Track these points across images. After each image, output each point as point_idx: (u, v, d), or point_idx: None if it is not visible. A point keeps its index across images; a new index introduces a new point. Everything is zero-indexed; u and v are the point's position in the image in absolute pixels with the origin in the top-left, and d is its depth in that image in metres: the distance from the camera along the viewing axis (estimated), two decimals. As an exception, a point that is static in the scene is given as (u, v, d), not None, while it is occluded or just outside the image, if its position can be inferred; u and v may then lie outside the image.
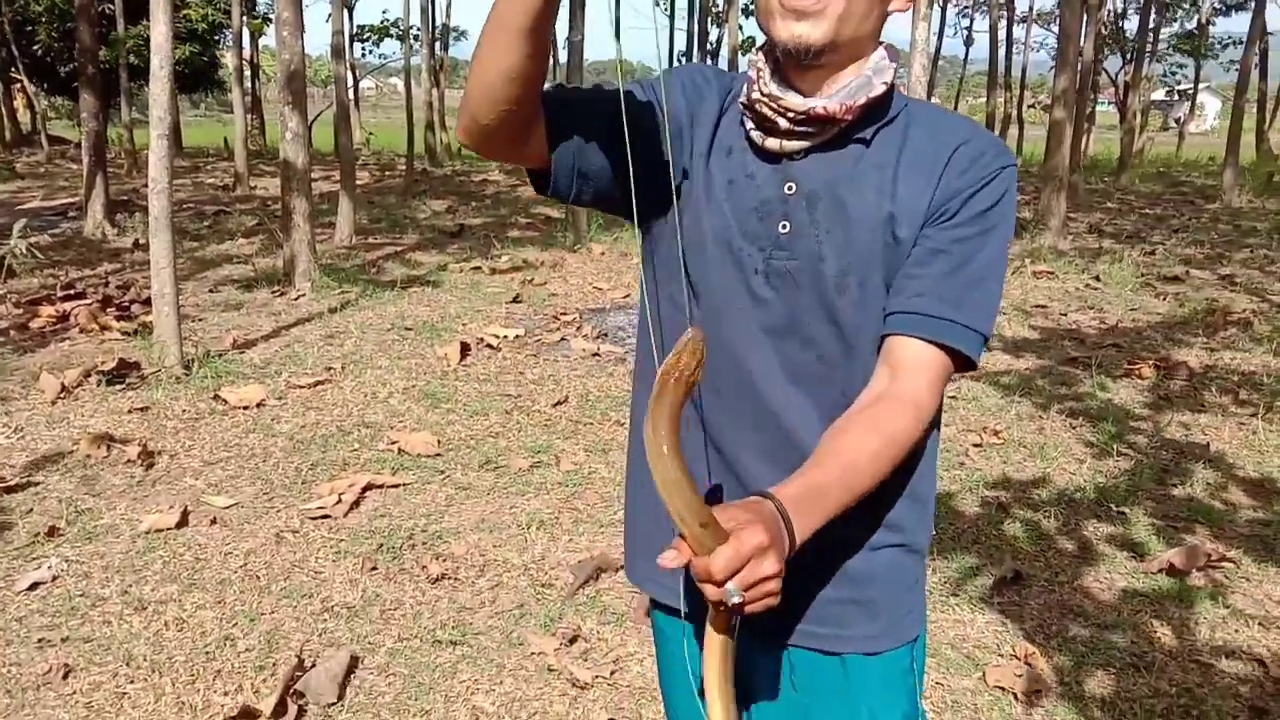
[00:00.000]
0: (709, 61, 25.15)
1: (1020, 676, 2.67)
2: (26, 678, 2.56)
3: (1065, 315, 7.06)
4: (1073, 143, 11.91)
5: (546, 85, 1.10)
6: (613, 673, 2.68)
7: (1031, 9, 28.52)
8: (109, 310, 6.24)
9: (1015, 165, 1.15)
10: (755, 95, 1.14)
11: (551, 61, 23.10)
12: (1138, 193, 16.50)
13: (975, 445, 4.38)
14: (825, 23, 1.07)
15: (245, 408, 4.64)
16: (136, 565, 3.18)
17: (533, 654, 2.75)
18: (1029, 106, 29.38)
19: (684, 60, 27.04)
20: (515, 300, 7.17)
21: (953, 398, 4.91)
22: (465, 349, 5.66)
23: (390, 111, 48.80)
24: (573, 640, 2.82)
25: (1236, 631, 2.94)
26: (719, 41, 25.40)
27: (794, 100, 1.12)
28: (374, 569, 3.20)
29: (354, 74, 20.10)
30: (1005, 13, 26.46)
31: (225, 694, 2.52)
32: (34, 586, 3.00)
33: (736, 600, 0.88)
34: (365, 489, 3.77)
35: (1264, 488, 3.98)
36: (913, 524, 1.24)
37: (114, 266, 8.09)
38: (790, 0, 1.07)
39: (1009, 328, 6.61)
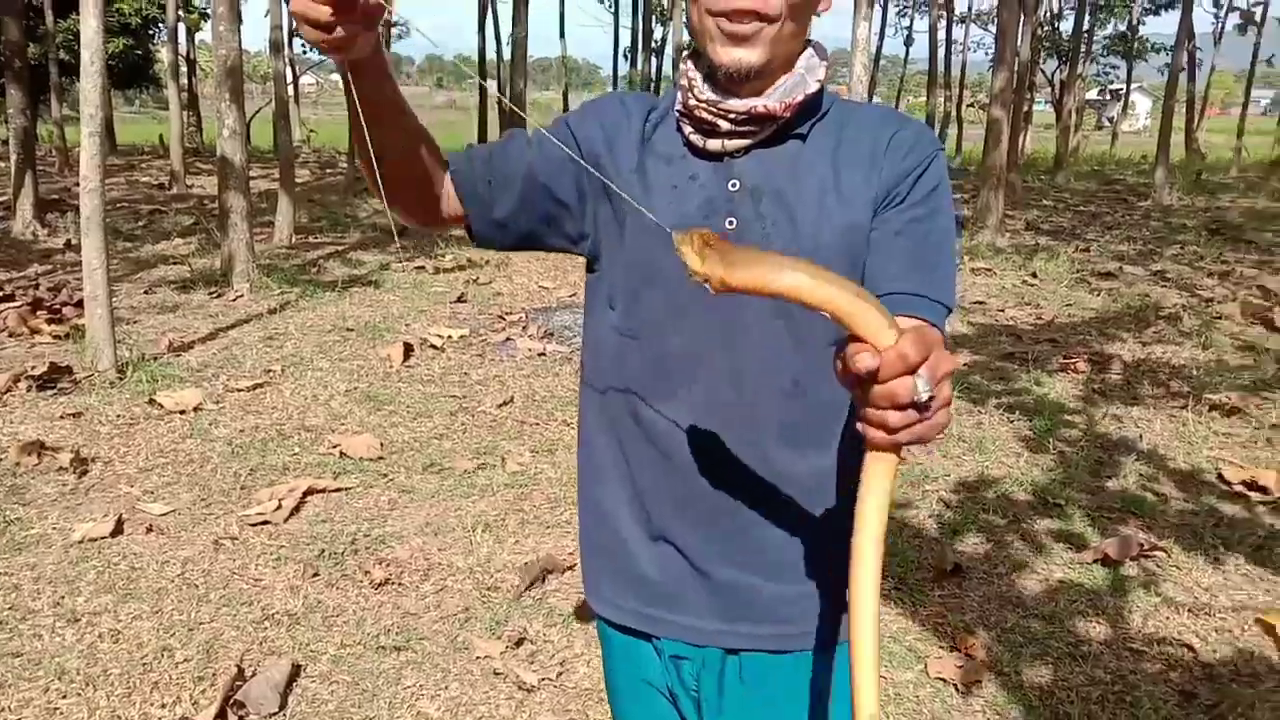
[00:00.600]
0: (654, 60, 25.22)
1: (961, 668, 2.72)
2: (-47, 695, 2.49)
3: (1003, 311, 7.19)
4: (1010, 141, 12.13)
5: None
6: (559, 674, 2.67)
7: (970, 9, 28.99)
8: (39, 313, 6.06)
9: (943, 149, 1.22)
10: (692, 102, 1.17)
11: (495, 57, 22.98)
12: (1073, 190, 16.89)
13: (916, 440, 4.45)
14: (761, 46, 1.11)
15: (182, 412, 4.55)
16: (69, 576, 3.10)
17: (478, 658, 2.73)
18: (968, 105, 29.88)
19: (629, 57, 27.08)
20: (460, 300, 7.12)
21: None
22: (408, 350, 5.61)
23: (331, 108, 48.17)
24: (519, 643, 2.81)
25: (1168, 619, 3.02)
26: (664, 40, 25.47)
27: (734, 103, 1.15)
28: (316, 575, 3.16)
29: (294, 70, 19.78)
30: (944, 13, 26.88)
31: (163, 706, 2.47)
32: (-40, 600, 2.91)
33: (926, 395, 0.77)
34: (306, 494, 3.71)
35: (1193, 478, 4.10)
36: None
37: (45, 268, 7.86)
38: (728, 27, 1.11)
39: (948, 324, 6.71)
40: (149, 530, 3.42)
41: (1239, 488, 3.94)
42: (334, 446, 4.19)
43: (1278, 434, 4.57)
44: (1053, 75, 27.18)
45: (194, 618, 2.89)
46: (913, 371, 0.77)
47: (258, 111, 15.19)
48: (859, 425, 0.83)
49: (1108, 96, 44.04)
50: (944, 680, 2.68)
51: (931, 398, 0.78)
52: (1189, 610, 3.06)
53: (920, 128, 1.22)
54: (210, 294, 6.99)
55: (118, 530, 3.39)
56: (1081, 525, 3.65)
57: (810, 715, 1.27)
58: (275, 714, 2.46)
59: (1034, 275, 8.49)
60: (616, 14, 28.47)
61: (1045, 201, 14.92)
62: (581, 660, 2.75)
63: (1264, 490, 3.89)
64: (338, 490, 3.79)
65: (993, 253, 9.49)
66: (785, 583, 1.24)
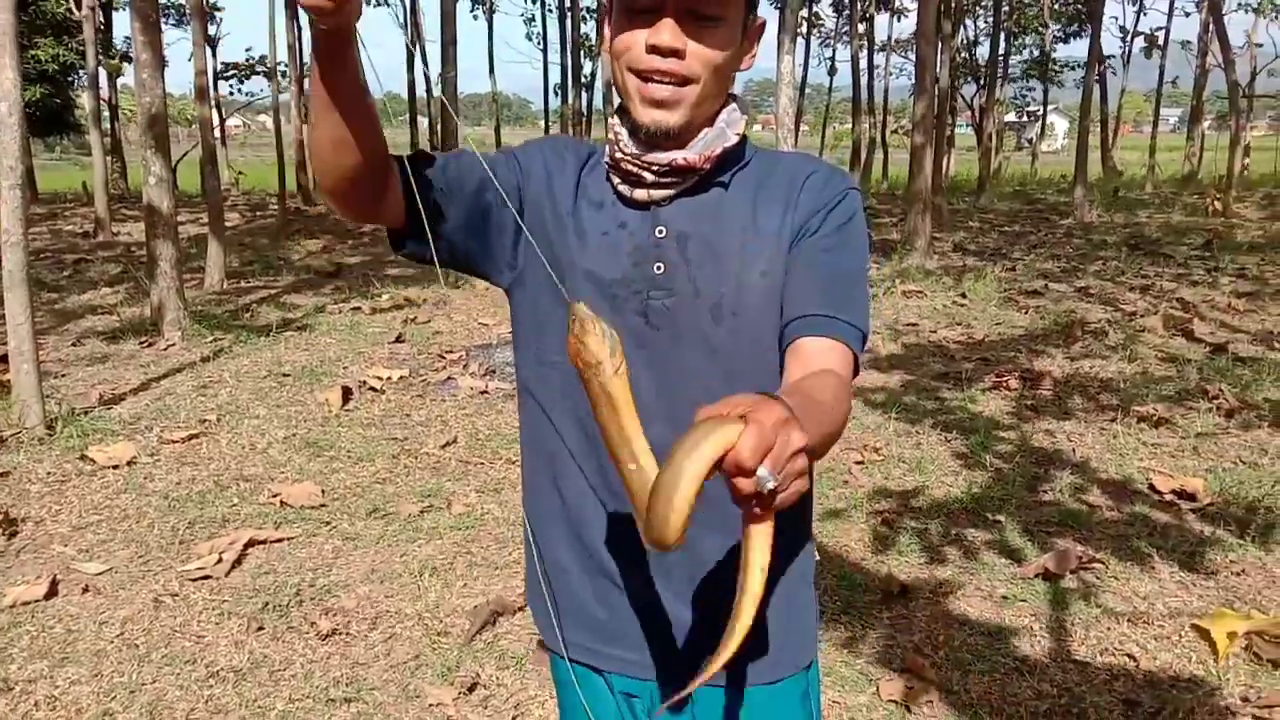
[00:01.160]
0: (584, 94, 25.42)
1: (912, 689, 2.76)
2: (-121, 775, 2.38)
3: (935, 332, 7.35)
4: (934, 165, 12.46)
5: (410, 150, 1.20)
6: (514, 718, 2.65)
7: (890, 38, 29.73)
8: (-40, 370, 5.87)
9: (858, 189, 1.27)
10: (618, 155, 1.22)
11: (426, 96, 22.96)
12: (997, 211, 17.35)
13: (858, 462, 4.52)
14: (681, 109, 1.16)
15: (115, 467, 4.43)
16: (0, 643, 2.99)
17: (430, 705, 2.70)
18: (892, 131, 30.56)
19: (559, 93, 27.24)
20: (398, 340, 7.06)
21: (835, 418, 5.04)
22: (347, 393, 5.54)
23: (259, 150, 47.52)
24: (472, 688, 2.78)
25: (1109, 629, 3.10)
26: (593, 74, 25.70)
27: (656, 156, 1.19)
28: (260, 629, 3.09)
29: (220, 112, 19.53)
30: (865, 42, 27.54)
31: (104, 774, 2.40)
32: (-116, 675, 2.80)
33: (772, 485, 0.79)
34: (247, 546, 3.64)
35: (1125, 489, 4.22)
36: (795, 549, 1.30)
37: (-36, 323, 7.63)
38: (648, 92, 1.15)
39: (882, 347, 6.85)
40: (85, 590, 3.33)
41: (1169, 496, 4.07)
42: (274, 496, 4.12)
43: (1203, 442, 4.73)
44: (972, 99, 27.97)
45: (135, 679, 2.81)
46: (751, 473, 0.79)
47: (184, 155, 14.94)
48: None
49: (1026, 118, 45.39)
50: (896, 702, 2.72)
51: (776, 488, 0.80)
52: (1128, 620, 3.15)
53: (833, 170, 1.27)
54: (141, 343, 6.84)
55: (51, 592, 3.29)
56: (1021, 540, 3.73)
57: None
58: (223, 775, 2.40)
59: (963, 295, 8.70)
60: (546, 50, 28.66)
61: (971, 223, 15.30)
62: (536, 702, 2.73)
63: (1192, 498, 4.02)
64: (280, 540, 3.72)
65: (922, 275, 9.70)
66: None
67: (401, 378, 5.97)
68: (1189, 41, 25.35)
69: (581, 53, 24.77)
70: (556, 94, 27.66)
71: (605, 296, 1.22)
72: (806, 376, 1.10)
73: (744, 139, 1.25)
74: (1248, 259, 10.55)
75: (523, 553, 2.28)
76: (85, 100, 17.53)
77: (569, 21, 24.78)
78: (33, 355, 4.87)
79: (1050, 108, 38.04)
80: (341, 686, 2.78)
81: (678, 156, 1.19)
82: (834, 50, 33.59)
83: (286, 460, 4.59)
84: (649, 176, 1.21)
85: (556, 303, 1.23)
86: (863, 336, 1.19)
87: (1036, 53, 30.14)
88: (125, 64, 21.49)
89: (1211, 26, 20.44)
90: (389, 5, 25.52)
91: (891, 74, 30.64)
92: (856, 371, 1.20)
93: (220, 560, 3.49)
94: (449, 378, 6.05)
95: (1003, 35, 25.77)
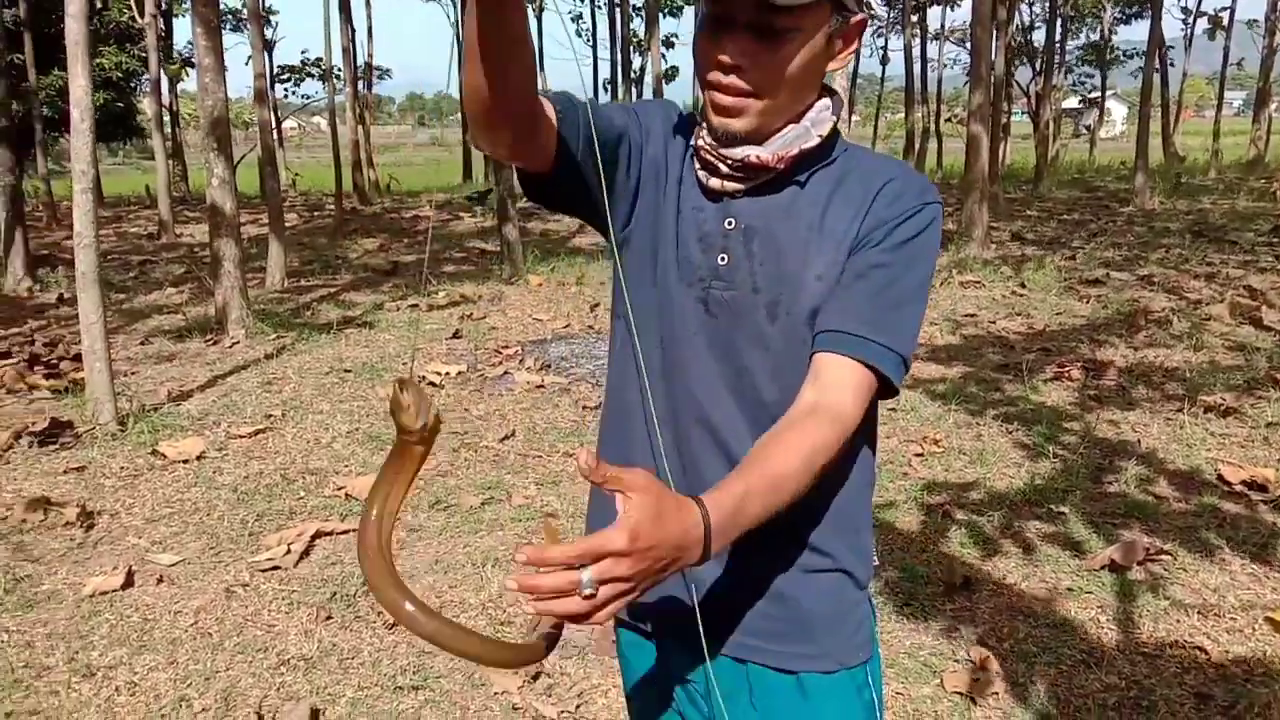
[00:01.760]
0: (634, 90, 25.41)
1: (977, 680, 2.74)
2: (-27, 756, 2.48)
3: (994, 323, 7.25)
4: (990, 154, 12.27)
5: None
6: (578, 707, 2.68)
7: (944, 27, 29.33)
8: (36, 369, 6.07)
9: (940, 204, 1.21)
10: (700, 142, 1.22)
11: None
12: (1055, 199, 17.03)
13: (917, 455, 4.48)
14: (746, 117, 1.15)
15: (185, 461, 4.56)
16: (82, 630, 3.10)
17: (496, 694, 2.74)
18: (946, 120, 30.16)
19: (609, 88, 27.28)
20: (455, 336, 7.15)
21: (891, 410, 5.01)
22: (408, 388, 5.61)
23: (315, 151, 48.31)
24: (536, 677, 2.81)
25: (1178, 622, 3.05)
26: (643, 70, 25.69)
27: (731, 151, 1.19)
28: (329, 618, 3.16)
29: (277, 115, 19.90)
30: (918, 31, 27.19)
31: (184, 757, 2.47)
32: (-25, 660, 2.91)
33: (589, 592, 0.89)
34: (314, 537, 3.72)
35: (1193, 479, 4.13)
36: (842, 550, 1.28)
37: (39, 323, 7.88)
38: (713, 99, 1.16)
39: (940, 337, 6.78)
40: (160, 581, 3.43)
41: (1239, 487, 3.98)
42: (339, 489, 4.21)
43: (1274, 432, 4.61)
44: (1028, 86, 27.49)
45: (210, 666, 2.89)
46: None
47: (242, 158, 15.22)
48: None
49: (1084, 105, 44.48)
50: (961, 694, 2.70)
51: (594, 594, 0.89)
52: (1198, 612, 3.09)
53: (918, 180, 1.22)
54: (206, 341, 7.01)
55: (128, 582, 3.39)
56: (1086, 532, 3.67)
57: None
58: (297, 759, 2.46)
59: (1022, 285, 8.56)
60: (595, 46, 28.74)
61: (1029, 212, 15.04)
62: (599, 691, 2.76)
63: (1263, 489, 3.93)
64: (345, 532, 3.80)
65: (980, 265, 9.57)
66: (777, 606, 1.27)
67: (459, 373, 6.04)
68: (1255, 21, 24.65)
69: (631, 48, 24.77)
70: (605, 90, 27.73)
71: (684, 274, 1.24)
72: (780, 438, 1.09)
73: (833, 135, 1.22)
74: (1319, 244, 10.24)
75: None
76: (147, 105, 17.95)
77: (619, 17, 24.81)
78: (105, 354, 5.01)
79: (1109, 93, 37.22)
80: (409, 674, 2.84)
81: (751, 154, 1.18)
82: (886, 40, 33.25)
83: (350, 454, 4.68)
84: (723, 168, 1.20)
85: (651, 271, 1.26)
86: (900, 360, 1.15)
87: (1094, 37, 29.49)
88: (186, 69, 22.00)
89: None
90: (440, 1, 25.81)
91: (945, 64, 30.23)
92: (888, 393, 1.17)
93: (289, 551, 3.58)
94: (505, 372, 6.11)
95: (1059, 20, 25.26)
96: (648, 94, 24.93)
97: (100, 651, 2.98)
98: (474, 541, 3.72)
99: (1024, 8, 26.90)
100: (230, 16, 23.91)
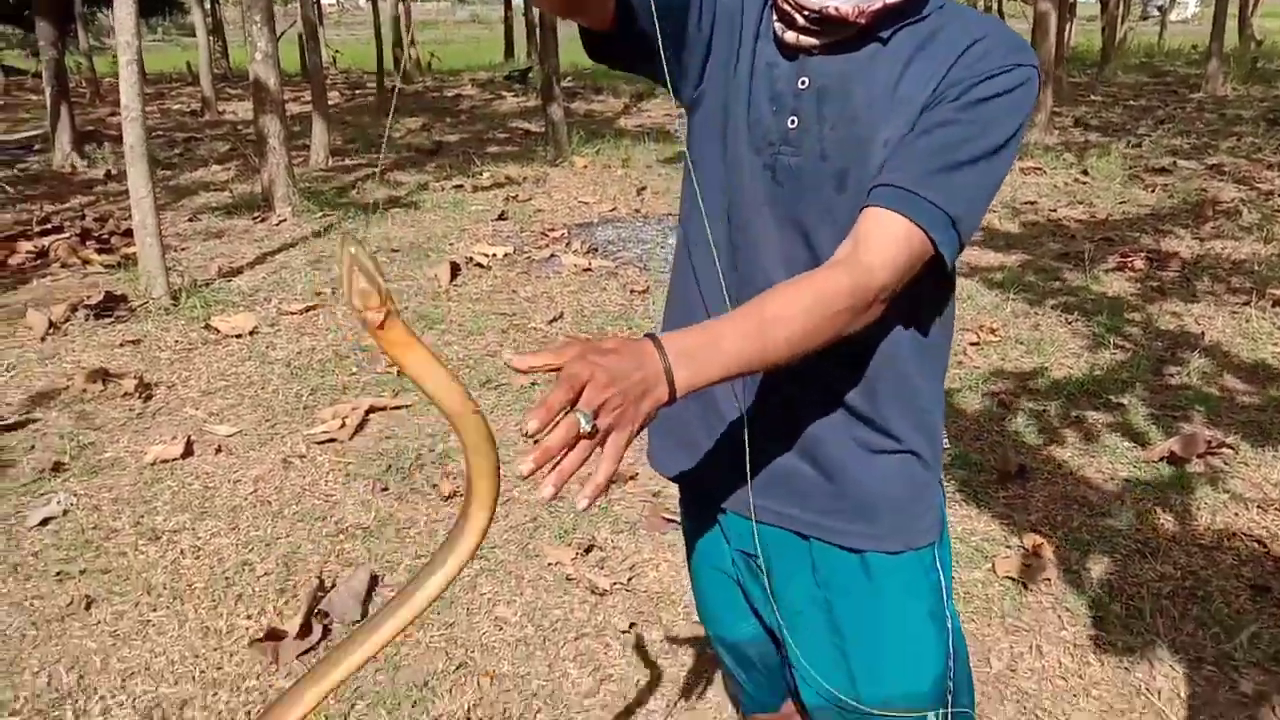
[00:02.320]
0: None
1: (1029, 566, 2.73)
2: (50, 609, 2.58)
3: (1055, 211, 7.03)
4: (1057, 35, 11.70)
5: None
6: (630, 579, 2.72)
7: (1010, -103, 27.75)
8: (88, 244, 6.12)
9: (1034, 68, 1.09)
10: None
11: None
12: (1121, 84, 16.31)
13: (973, 343, 4.40)
14: None
15: (238, 336, 4.60)
16: (145, 496, 3.18)
17: (550, 564, 2.78)
18: None
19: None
20: (501, 217, 7.08)
21: (948, 298, 4.90)
22: (455, 269, 5.60)
23: (354, 28, 47.43)
24: (588, 550, 2.85)
25: (1236, 515, 3.00)
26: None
27: (808, 0, 1.09)
28: (385, 489, 3.22)
29: (317, -10, 19.43)
30: (984, -98, 25.75)
31: (248, 617, 2.55)
32: (45, 521, 3.00)
33: (588, 428, 0.86)
34: (369, 412, 3.76)
35: (1258, 374, 4.02)
36: (908, 430, 1.23)
37: (87, 199, 7.92)
38: None
39: (999, 224, 6.59)
40: (218, 451, 3.49)
41: (1307, 382, 3.87)
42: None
43: (1345, 327, 4.46)
44: (1098, -36, 26.07)
45: (270, 533, 2.96)
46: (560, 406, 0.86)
47: (283, 33, 14.97)
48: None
49: (1155, -15, 42.22)
50: (1012, 579, 2.69)
51: (595, 428, 0.87)
52: (1258, 506, 3.04)
53: (1006, 42, 1.09)
54: (253, 219, 7.01)
55: (188, 452, 3.46)
56: (1145, 424, 3.61)
57: (873, 618, 1.27)
58: (357, 622, 2.52)
59: (1085, 173, 8.27)
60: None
61: (1093, 97, 14.43)
62: (650, 565, 2.79)
63: (1333, 384, 3.82)
64: (399, 408, 3.83)
65: (1041, 151, 9.23)
66: (837, 484, 1.24)
67: (506, 254, 6.00)
68: (1348, -107, 23.02)
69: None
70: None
71: (754, 139, 1.17)
72: (792, 282, 1.04)
73: None
74: (1402, 134, 9.74)
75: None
76: (188, -21, 17.63)
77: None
78: (155, 229, 5.02)
79: (1183, -28, 35.24)
80: (463, 546, 2.88)
81: (830, 5, 1.08)
82: (948, -88, 31.54)
83: (399, 332, 4.68)
84: (799, 20, 1.11)
85: (720, 138, 1.20)
86: (950, 222, 1.05)
87: (1172, -90, 27.76)
88: (224, -59, 21.47)
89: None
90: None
91: (1010, -63, 28.69)
92: (942, 262, 1.07)
93: (344, 425, 3.62)
94: (552, 255, 6.06)
95: (1136, -109, 23.75)
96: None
97: (164, 516, 3.06)
98: (524, 420, 3.74)
99: (1098, -123, 25.34)
100: (268, -115, 23.22)
